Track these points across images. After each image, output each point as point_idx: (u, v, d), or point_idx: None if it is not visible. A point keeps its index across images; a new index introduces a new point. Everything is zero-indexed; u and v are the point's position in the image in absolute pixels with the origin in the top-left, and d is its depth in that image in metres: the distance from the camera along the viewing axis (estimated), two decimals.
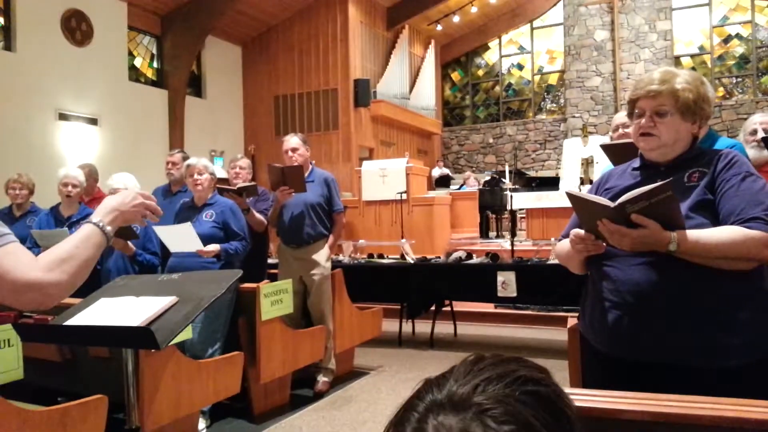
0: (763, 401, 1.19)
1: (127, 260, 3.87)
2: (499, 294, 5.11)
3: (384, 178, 8.56)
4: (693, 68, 13.94)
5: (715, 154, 1.69)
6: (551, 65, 16.41)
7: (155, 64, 11.33)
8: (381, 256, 6.07)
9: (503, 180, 9.62)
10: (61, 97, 9.12)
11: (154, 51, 11.32)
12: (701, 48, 14.65)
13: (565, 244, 1.82)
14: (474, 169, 16.16)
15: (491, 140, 16.76)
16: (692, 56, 14.71)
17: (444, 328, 5.93)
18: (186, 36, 11.03)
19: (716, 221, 1.60)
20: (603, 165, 3.58)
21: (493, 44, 16.97)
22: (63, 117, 9.14)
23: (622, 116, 2.79)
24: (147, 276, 2.25)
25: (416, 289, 5.46)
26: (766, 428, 1.12)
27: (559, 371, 0.66)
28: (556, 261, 4.79)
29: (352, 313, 4.72)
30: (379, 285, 5.62)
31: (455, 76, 17.61)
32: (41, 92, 8.74)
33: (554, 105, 16.32)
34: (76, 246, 1.22)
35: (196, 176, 3.79)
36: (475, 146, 16.99)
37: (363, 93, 12.55)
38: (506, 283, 5.07)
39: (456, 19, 15.34)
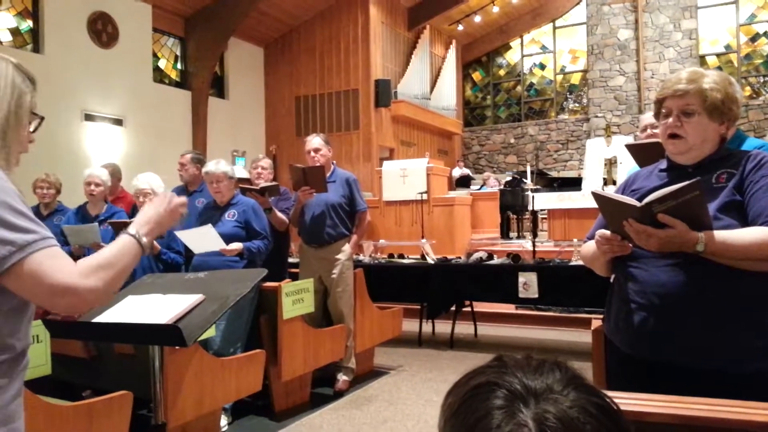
0: None
1: (152, 259, 3.93)
2: (521, 295, 5.08)
3: (404, 178, 8.56)
4: (719, 67, 13.72)
5: (744, 155, 1.66)
6: (574, 65, 16.27)
7: (179, 66, 11.47)
8: (401, 256, 6.07)
9: (524, 180, 9.55)
10: (87, 98, 9.29)
11: (178, 52, 11.46)
12: (727, 47, 14.40)
13: (590, 246, 1.81)
14: (495, 169, 16.07)
15: (512, 140, 16.66)
16: (718, 55, 14.47)
17: (464, 328, 5.91)
18: (209, 38, 11.16)
19: (745, 222, 1.57)
20: (627, 165, 3.54)
21: (515, 44, 16.88)
22: (89, 118, 9.31)
23: (650, 116, 2.75)
24: (173, 274, 2.28)
25: (436, 289, 5.45)
26: None
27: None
28: (578, 262, 4.76)
29: (372, 312, 4.73)
30: (400, 285, 5.62)
31: (476, 76, 17.53)
32: (68, 93, 8.90)
33: (576, 105, 16.17)
34: (113, 255, 1.26)
35: (214, 184, 3.85)
36: (496, 146, 16.90)
37: (384, 93, 12.56)
38: (527, 284, 5.03)
39: (477, 19, 15.29)
